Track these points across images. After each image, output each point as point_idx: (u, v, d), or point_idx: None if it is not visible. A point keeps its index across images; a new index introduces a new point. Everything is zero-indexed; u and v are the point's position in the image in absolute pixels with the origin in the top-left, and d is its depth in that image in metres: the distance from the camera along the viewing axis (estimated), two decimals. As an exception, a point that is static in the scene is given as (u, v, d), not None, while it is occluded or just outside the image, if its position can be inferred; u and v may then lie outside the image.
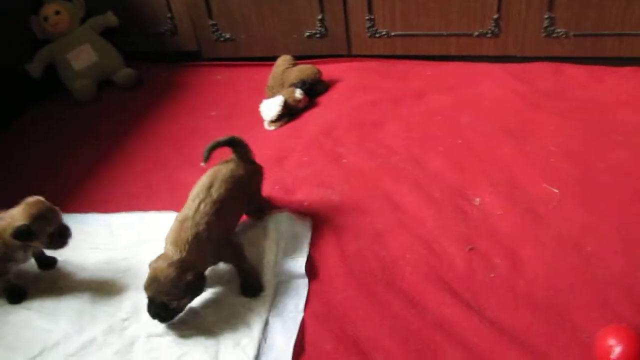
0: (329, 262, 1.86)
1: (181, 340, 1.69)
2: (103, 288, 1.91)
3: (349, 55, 3.10)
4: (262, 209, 2.07)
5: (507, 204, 2.02)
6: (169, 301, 1.65)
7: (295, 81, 2.77)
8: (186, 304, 1.71)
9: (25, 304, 1.90)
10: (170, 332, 1.71)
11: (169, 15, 3.19)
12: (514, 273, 1.77)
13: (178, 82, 3.19)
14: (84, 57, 3.15)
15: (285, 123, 2.65)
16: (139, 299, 1.80)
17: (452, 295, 1.71)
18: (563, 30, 2.74)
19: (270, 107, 2.63)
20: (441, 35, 2.90)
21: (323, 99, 2.80)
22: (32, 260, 2.00)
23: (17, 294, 1.91)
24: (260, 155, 2.42)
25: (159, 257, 1.68)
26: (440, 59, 2.99)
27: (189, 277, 1.64)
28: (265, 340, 1.66)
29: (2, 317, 1.87)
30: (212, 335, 1.69)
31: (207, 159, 1.89)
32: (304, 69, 2.84)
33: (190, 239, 1.68)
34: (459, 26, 2.85)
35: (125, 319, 1.77)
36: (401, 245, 1.90)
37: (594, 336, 1.53)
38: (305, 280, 1.79)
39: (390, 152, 2.35)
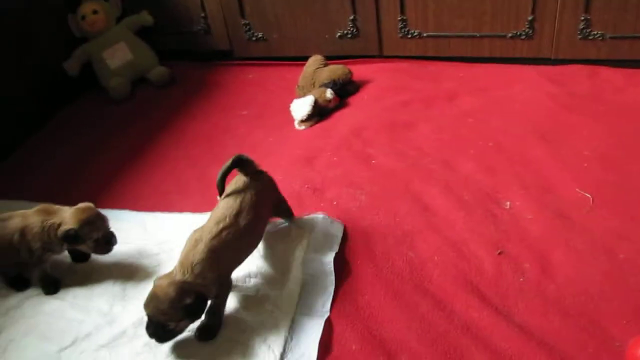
0: (357, 262, 1.87)
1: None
2: (134, 281, 1.95)
3: (380, 56, 3.09)
4: (289, 210, 2.03)
5: (538, 208, 2.00)
6: (166, 321, 1.61)
7: (326, 81, 2.78)
8: (185, 326, 1.66)
9: (59, 295, 1.96)
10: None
11: (202, 14, 3.23)
12: (543, 278, 1.75)
13: (210, 81, 3.23)
14: (119, 55, 3.22)
15: (316, 123, 2.66)
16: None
17: (480, 299, 1.70)
18: (599, 32, 2.69)
19: (301, 107, 2.64)
20: (474, 36, 2.88)
21: (353, 100, 2.81)
22: (66, 253, 2.06)
23: (52, 284, 1.97)
24: (290, 154, 2.46)
25: (165, 275, 1.65)
26: (472, 61, 2.97)
27: (188, 300, 1.59)
28: (291, 338, 1.67)
29: (36, 307, 1.92)
30: (240, 330, 1.70)
31: (222, 190, 1.82)
32: (335, 69, 2.84)
33: (196, 263, 1.63)
34: (492, 27, 2.83)
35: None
36: (430, 247, 1.89)
37: (625, 344, 1.51)
38: (333, 279, 1.80)
39: (420, 153, 2.34)
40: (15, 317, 1.88)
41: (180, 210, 2.22)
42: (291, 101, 2.74)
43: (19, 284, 2.00)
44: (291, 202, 2.13)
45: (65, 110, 3.17)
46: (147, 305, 1.62)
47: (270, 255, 1.93)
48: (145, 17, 3.29)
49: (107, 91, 3.19)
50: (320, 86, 2.77)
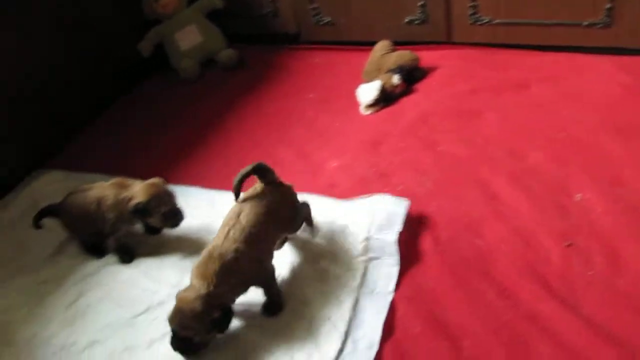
0: (421, 247, 1.88)
1: (276, 311, 1.76)
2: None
3: (449, 42, 3.05)
4: (310, 222, 1.96)
5: (610, 202, 1.94)
6: (192, 335, 1.62)
7: (393, 67, 2.77)
8: (211, 339, 1.66)
9: (133, 265, 2.06)
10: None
11: (271, -2, 3.27)
12: (614, 272, 1.71)
13: (277, 64, 3.27)
14: (190, 37, 3.30)
15: (382, 108, 2.67)
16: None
17: (546, 290, 1.68)
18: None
19: (368, 92, 2.65)
20: (546, 24, 2.79)
21: (420, 86, 2.79)
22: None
23: (127, 253, 2.07)
24: (355, 139, 2.47)
25: (187, 289, 1.63)
26: (543, 49, 2.89)
27: (216, 313, 1.59)
28: (355, 317, 1.70)
29: (112, 275, 2.03)
30: (305, 306, 1.75)
31: (238, 194, 1.80)
32: (403, 55, 2.83)
33: (217, 270, 1.62)
34: (567, 15, 2.74)
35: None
36: (496, 235, 1.88)
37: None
38: (398, 260, 1.82)
39: (487, 141, 2.31)
40: (93, 284, 2.00)
41: (246, 189, 2.27)
42: (357, 86, 2.74)
43: (96, 251, 2.12)
44: (357, 186, 2.17)
45: (137, 89, 3.29)
46: (172, 320, 1.62)
47: (334, 234, 1.96)
48: (215, 1, 3.35)
49: (177, 72, 3.29)
50: (387, 72, 2.77)
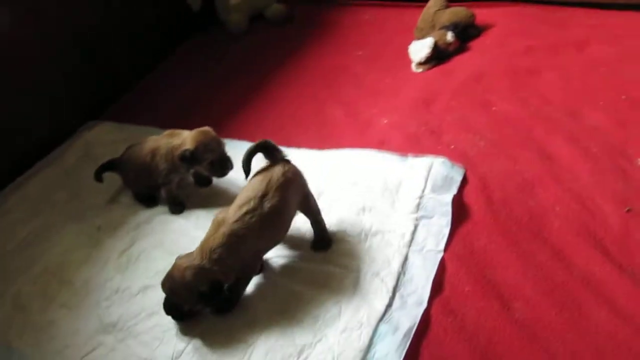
0: (474, 207, 1.85)
1: (325, 265, 1.77)
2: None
3: (506, -1, 2.94)
4: (316, 207, 1.83)
5: (673, 167, 1.87)
6: (180, 303, 1.62)
7: (447, 23, 2.69)
8: (201, 309, 1.65)
9: (184, 215, 2.10)
10: (316, 257, 1.80)
11: (322, -49, 3.20)
12: (675, 240, 1.65)
13: (326, 21, 3.22)
14: (239, -9, 3.27)
15: (434, 66, 2.60)
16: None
17: (603, 254, 1.63)
18: None
19: (420, 49, 2.59)
20: (611, -20, 2.66)
21: (475, 44, 2.71)
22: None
23: (178, 204, 2.11)
24: (407, 96, 2.43)
25: (186, 255, 1.63)
26: (605, 7, 2.75)
27: (203, 287, 1.56)
28: (404, 274, 1.69)
29: (163, 224, 2.07)
30: (353, 260, 1.75)
31: (247, 172, 1.72)
32: (457, 12, 2.74)
33: (215, 248, 1.58)
34: (633, -28, 2.60)
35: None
36: (551, 197, 1.83)
37: None
38: (450, 220, 1.79)
39: (544, 102, 2.23)
40: (146, 232, 2.04)
41: (297, 145, 2.26)
42: (408, 43, 2.68)
43: (148, 201, 2.16)
44: (408, 144, 2.14)
45: (187, 45, 3.30)
46: (164, 284, 1.63)
47: (385, 191, 1.94)
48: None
49: (225, 25, 3.28)
50: (441, 28, 2.69)
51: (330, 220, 1.88)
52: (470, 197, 1.88)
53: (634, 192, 1.81)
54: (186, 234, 2.00)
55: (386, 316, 1.58)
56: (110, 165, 2.18)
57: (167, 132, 2.09)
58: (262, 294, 1.72)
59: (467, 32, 2.72)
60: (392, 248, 1.77)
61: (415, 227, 1.81)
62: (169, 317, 1.69)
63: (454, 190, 1.88)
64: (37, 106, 2.54)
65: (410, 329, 1.53)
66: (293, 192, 1.70)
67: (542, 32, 2.67)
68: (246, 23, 3.28)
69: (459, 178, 1.93)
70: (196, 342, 1.63)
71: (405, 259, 1.73)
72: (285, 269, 1.78)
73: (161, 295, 1.66)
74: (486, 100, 2.31)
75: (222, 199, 2.12)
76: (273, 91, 2.71)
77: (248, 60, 3.00)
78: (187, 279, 1.57)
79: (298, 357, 1.53)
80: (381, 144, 2.16)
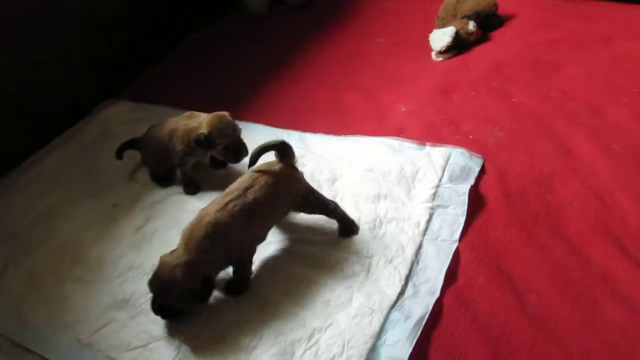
0: (490, 198, 1.83)
1: (337, 250, 1.76)
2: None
3: (530, -10, 2.90)
4: (327, 206, 1.79)
5: (696, 166, 1.84)
6: (172, 302, 1.59)
7: (469, 13, 2.66)
8: (191, 306, 1.62)
9: (198, 196, 2.09)
10: (327, 242, 1.79)
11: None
12: (695, 239, 1.63)
13: (346, 6, 3.19)
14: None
15: (454, 55, 2.58)
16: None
17: (621, 251, 1.62)
18: None
19: (441, 38, 2.56)
20: (640, -26, 2.61)
21: (496, 34, 2.67)
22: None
23: (193, 185, 2.10)
24: (426, 85, 2.41)
25: (171, 253, 1.59)
26: (632, 2, 2.70)
27: (195, 284, 1.54)
28: (417, 262, 1.68)
29: (178, 204, 2.07)
30: (367, 248, 1.74)
31: (253, 164, 1.70)
32: (480, 1, 2.71)
33: (202, 238, 1.55)
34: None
35: (286, 222, 1.87)
36: (569, 191, 1.81)
37: None
38: (465, 210, 1.78)
39: (565, 96, 2.20)
40: (160, 211, 2.04)
41: (313, 130, 2.26)
42: (429, 32, 2.65)
43: (164, 181, 2.16)
44: (425, 132, 2.12)
45: (207, 27, 3.29)
46: (152, 284, 1.59)
47: (402, 179, 1.93)
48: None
49: (246, 9, 3.26)
50: (463, 17, 2.66)
51: (345, 206, 1.87)
52: (487, 188, 1.86)
53: (654, 190, 1.78)
54: (200, 215, 2.00)
55: (398, 304, 1.58)
56: (132, 144, 2.19)
57: (187, 113, 2.08)
58: (273, 277, 1.72)
59: (489, 22, 2.68)
60: (406, 236, 1.76)
61: (431, 216, 1.80)
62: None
63: (471, 181, 1.86)
64: (57, 84, 2.55)
65: (422, 318, 1.52)
66: (284, 193, 1.67)
67: (566, 25, 2.64)
68: (266, 5, 3.26)
69: (477, 169, 1.92)
70: (208, 323, 1.63)
71: (420, 247, 1.72)
72: (297, 253, 1.78)
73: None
74: (506, 91, 2.28)
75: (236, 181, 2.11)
76: (292, 75, 2.70)
77: (267, 44, 2.98)
78: (177, 278, 1.53)
79: (308, 341, 1.53)
80: (399, 132, 2.14)
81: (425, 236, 1.75)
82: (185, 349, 1.57)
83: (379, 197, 1.89)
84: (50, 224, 2.05)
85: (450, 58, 2.57)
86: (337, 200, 1.84)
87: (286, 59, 2.81)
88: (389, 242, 1.75)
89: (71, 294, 1.78)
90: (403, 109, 2.28)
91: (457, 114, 2.19)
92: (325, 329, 1.55)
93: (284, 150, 1.71)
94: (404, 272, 1.65)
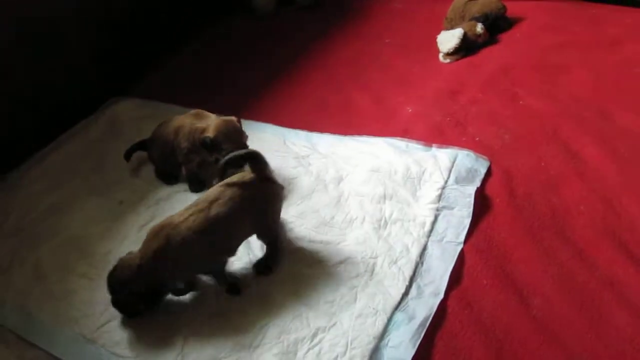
0: (496, 201, 1.82)
1: (341, 248, 1.76)
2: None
3: (539, -8, 2.89)
4: (273, 237, 1.74)
5: None
6: (122, 300, 1.60)
7: (477, 15, 2.66)
8: (141, 310, 1.63)
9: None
10: (332, 241, 1.79)
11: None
12: (703, 245, 1.62)
13: (355, 7, 3.19)
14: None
15: (462, 57, 2.57)
16: (305, 206, 1.91)
17: (627, 256, 1.61)
18: None
19: (449, 39, 2.56)
20: (650, -22, 2.60)
21: (505, 37, 2.67)
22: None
23: (198, 182, 2.11)
24: (433, 86, 2.40)
25: (130, 253, 1.60)
26: (641, 7, 2.70)
27: (140, 289, 1.55)
28: (422, 263, 1.68)
29: (183, 202, 2.02)
30: (371, 248, 1.74)
31: (222, 177, 1.67)
32: (488, 3, 2.70)
33: (156, 250, 1.54)
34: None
35: (291, 222, 1.88)
36: (576, 195, 1.80)
37: None
38: (471, 212, 1.77)
39: (573, 99, 2.20)
40: (165, 208, 2.05)
41: (320, 129, 2.26)
42: (437, 33, 2.65)
43: (169, 177, 2.16)
44: (432, 133, 2.12)
45: (215, 26, 3.29)
46: (108, 278, 1.60)
47: (407, 180, 1.92)
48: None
49: (253, 9, 3.26)
50: (471, 19, 2.66)
51: (350, 206, 1.88)
52: (493, 191, 1.86)
53: (662, 195, 1.77)
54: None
55: (402, 305, 1.57)
56: (140, 145, 2.20)
57: (194, 111, 2.08)
58: (277, 276, 1.72)
59: (497, 25, 2.68)
60: (411, 237, 1.75)
61: (436, 217, 1.79)
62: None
63: (478, 183, 1.86)
64: (65, 80, 2.56)
65: (425, 319, 1.52)
66: (247, 208, 1.62)
67: (575, 28, 2.63)
68: (275, 6, 3.27)
69: (483, 171, 1.91)
70: (211, 321, 1.63)
71: (424, 248, 1.72)
72: (301, 252, 1.77)
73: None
74: (514, 94, 2.28)
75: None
76: (299, 75, 2.70)
77: (275, 44, 2.99)
78: (125, 278, 1.55)
79: (312, 340, 1.53)
80: (405, 133, 2.14)
81: (430, 237, 1.74)
82: (187, 346, 1.57)
83: (384, 197, 1.88)
84: (56, 219, 2.05)
85: (457, 60, 2.56)
86: (342, 201, 1.84)
87: (294, 59, 2.81)
88: (394, 242, 1.75)
89: (76, 289, 1.79)
90: (410, 110, 2.28)
91: (464, 116, 2.19)
92: (329, 328, 1.55)
93: (254, 161, 1.66)
94: (408, 273, 1.65)
